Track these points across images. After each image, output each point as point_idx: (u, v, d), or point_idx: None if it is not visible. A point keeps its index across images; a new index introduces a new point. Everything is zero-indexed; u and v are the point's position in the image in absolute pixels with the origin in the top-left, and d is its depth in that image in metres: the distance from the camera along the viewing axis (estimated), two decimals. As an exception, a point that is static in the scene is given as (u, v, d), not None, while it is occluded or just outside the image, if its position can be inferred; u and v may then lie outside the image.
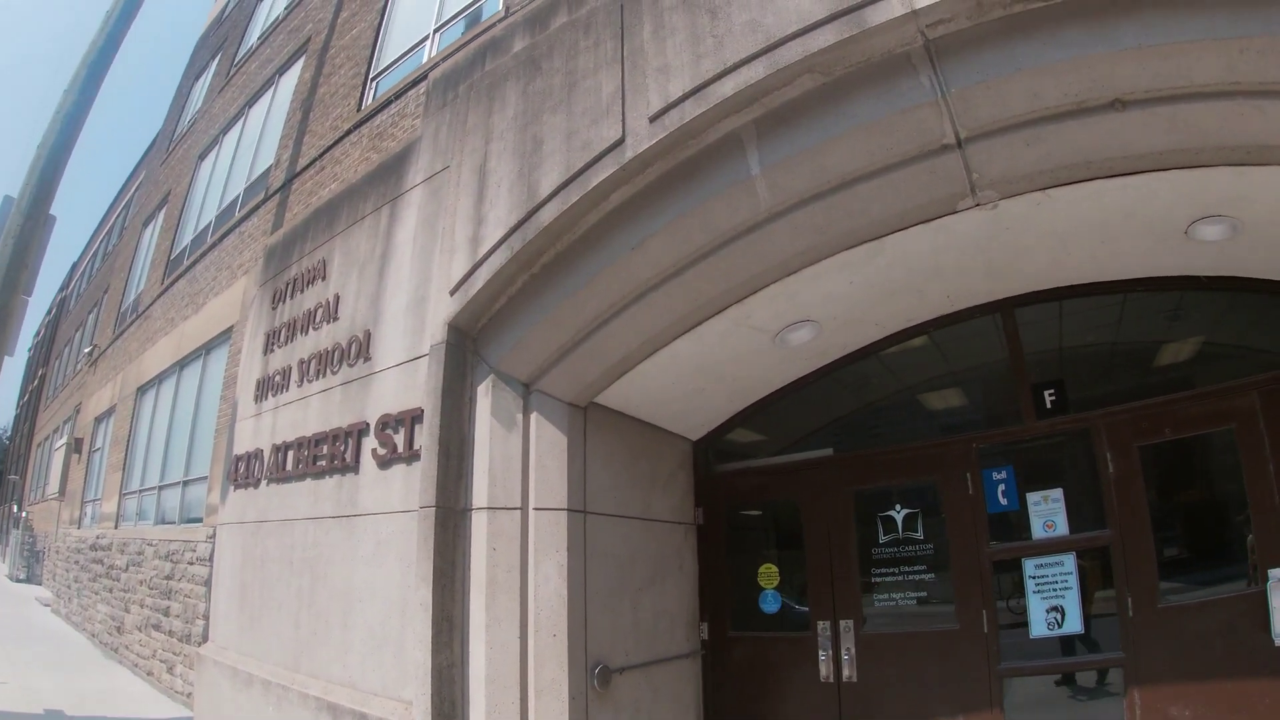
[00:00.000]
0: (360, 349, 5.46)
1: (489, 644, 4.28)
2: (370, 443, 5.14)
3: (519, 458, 4.49)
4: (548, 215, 4.22)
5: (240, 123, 11.99)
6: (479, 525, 4.45)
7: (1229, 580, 4.76)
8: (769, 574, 5.39)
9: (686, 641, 5.36)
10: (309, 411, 5.85)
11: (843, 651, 5.02)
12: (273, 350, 6.65)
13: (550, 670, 4.28)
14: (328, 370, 5.72)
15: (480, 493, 4.47)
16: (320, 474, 5.56)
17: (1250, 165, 3.48)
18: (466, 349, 4.69)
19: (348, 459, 5.28)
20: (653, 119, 3.86)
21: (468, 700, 4.29)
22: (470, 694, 4.28)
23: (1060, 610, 4.72)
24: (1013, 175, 3.61)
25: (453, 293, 4.65)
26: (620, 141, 3.97)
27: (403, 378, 4.99)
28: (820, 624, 5.09)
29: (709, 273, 4.12)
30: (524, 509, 4.46)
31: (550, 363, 4.51)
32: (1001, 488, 4.86)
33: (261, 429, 6.55)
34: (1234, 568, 4.74)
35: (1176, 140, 3.33)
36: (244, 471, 6.73)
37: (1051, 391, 4.81)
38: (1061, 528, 4.76)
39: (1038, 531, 4.79)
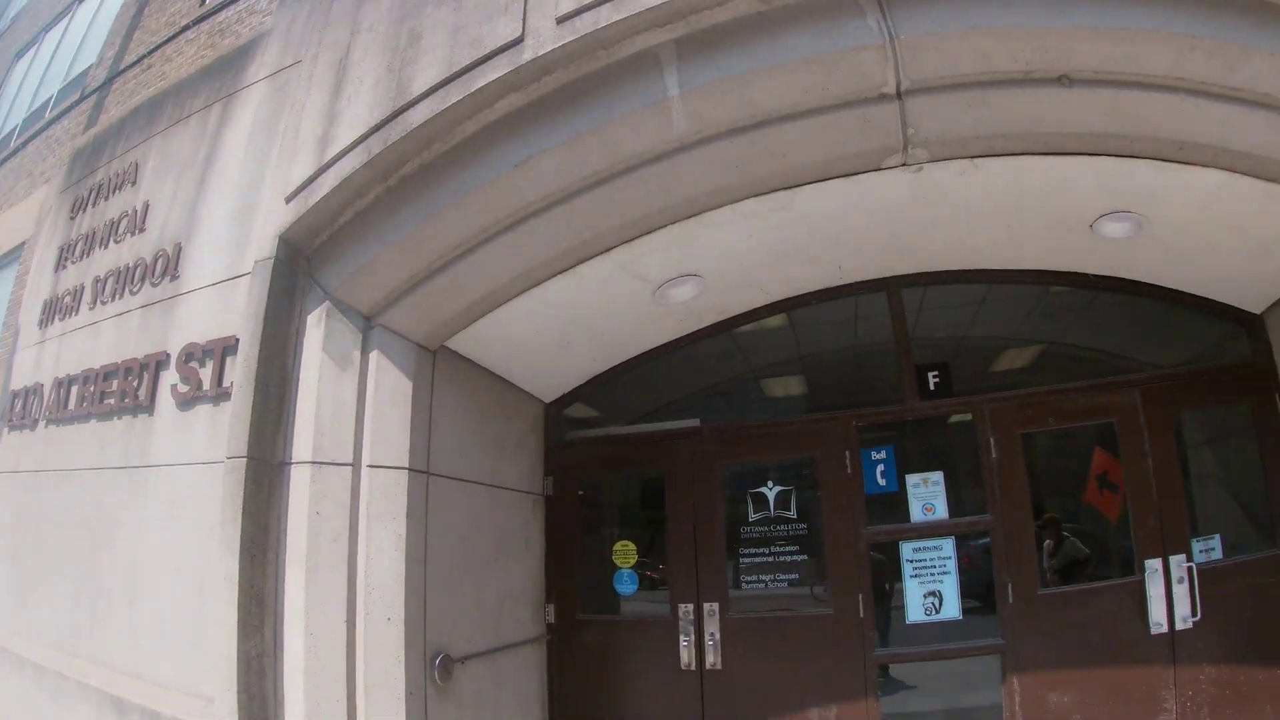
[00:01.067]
0: (168, 265, 4.52)
1: (309, 629, 3.53)
2: (170, 377, 4.24)
3: (353, 404, 3.77)
4: (418, 116, 3.54)
5: (66, 19, 10.30)
6: (300, 483, 3.69)
7: (1109, 569, 4.76)
8: (625, 552, 4.92)
9: (532, 625, 4.79)
10: (100, 340, 4.83)
11: (706, 636, 4.64)
12: (65, 267, 5.51)
13: (384, 661, 3.59)
14: (126, 290, 4.73)
15: (304, 443, 3.72)
16: (108, 415, 4.59)
17: (1175, 163, 3.44)
18: (299, 269, 3.91)
19: (141, 397, 4.35)
20: (561, 20, 3.29)
21: (282, 697, 3.53)
22: (285, 690, 3.53)
23: (938, 595, 4.55)
24: (947, 137, 3.38)
25: (289, 199, 3.85)
26: (518, 41, 3.37)
27: (217, 300, 4.13)
28: (682, 607, 4.68)
29: (603, 203, 3.58)
30: (356, 466, 3.75)
31: (400, 293, 3.82)
32: (881, 468, 4.62)
33: (44, 360, 5.42)
34: (1115, 556, 4.74)
35: (1115, 125, 3.26)
36: (20, 411, 5.56)
37: (935, 374, 4.63)
38: (941, 511, 4.58)
39: (916, 514, 4.60)
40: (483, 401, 4.47)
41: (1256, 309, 4.85)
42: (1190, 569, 4.57)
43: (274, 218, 3.89)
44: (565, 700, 4.82)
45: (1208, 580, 4.58)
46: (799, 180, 3.60)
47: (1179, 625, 4.55)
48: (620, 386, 4.99)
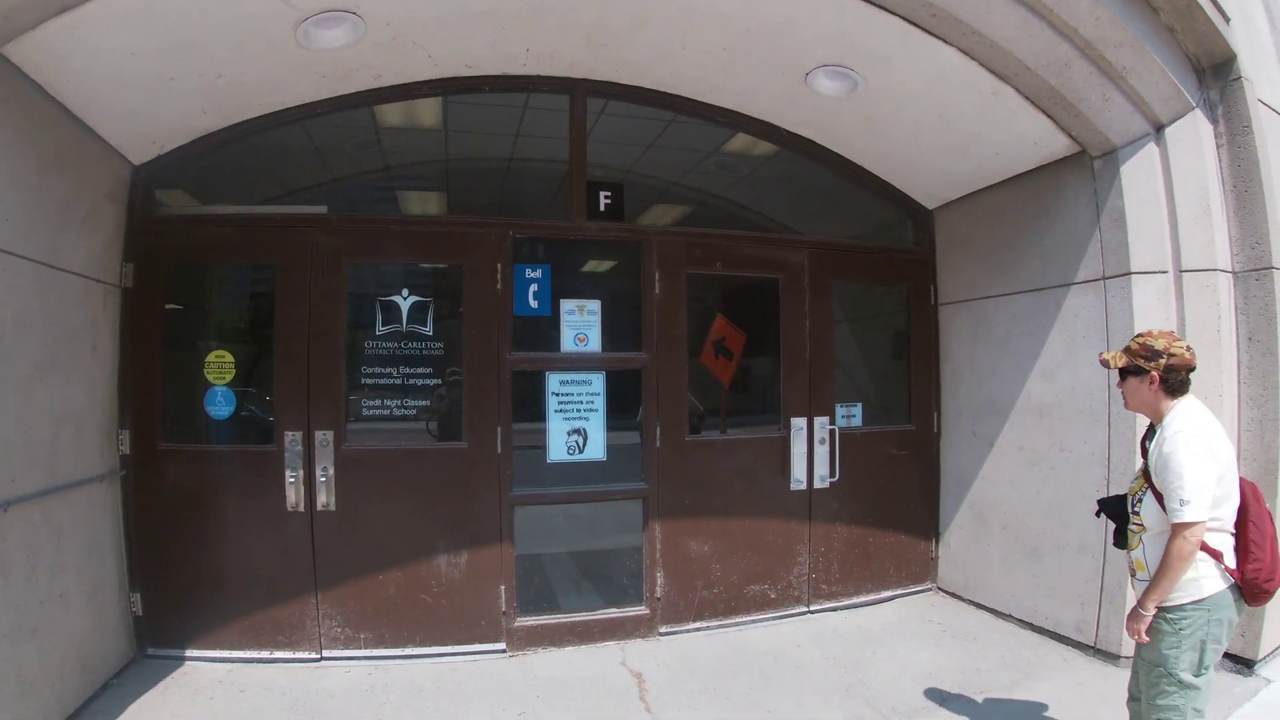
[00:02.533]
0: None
1: None
2: None
3: None
4: None
5: None
6: None
7: (761, 424, 4.62)
8: (221, 365, 3.92)
9: (101, 458, 3.68)
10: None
11: (318, 472, 3.88)
12: None
13: None
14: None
15: None
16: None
17: (921, 30, 3.34)
18: None
19: None
20: None
21: None
22: None
23: (583, 434, 4.15)
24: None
25: None
26: None
27: None
28: (289, 435, 3.87)
29: None
30: None
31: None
32: (534, 288, 4.16)
33: None
34: (767, 414, 4.61)
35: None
36: None
37: (608, 194, 4.26)
38: (595, 343, 4.20)
39: (568, 344, 4.18)
40: (45, 148, 3.28)
41: (929, 205, 5.03)
42: (833, 431, 4.57)
43: None
44: (147, 551, 3.80)
45: (847, 445, 4.60)
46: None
47: (817, 484, 4.53)
48: (236, 157, 4.02)
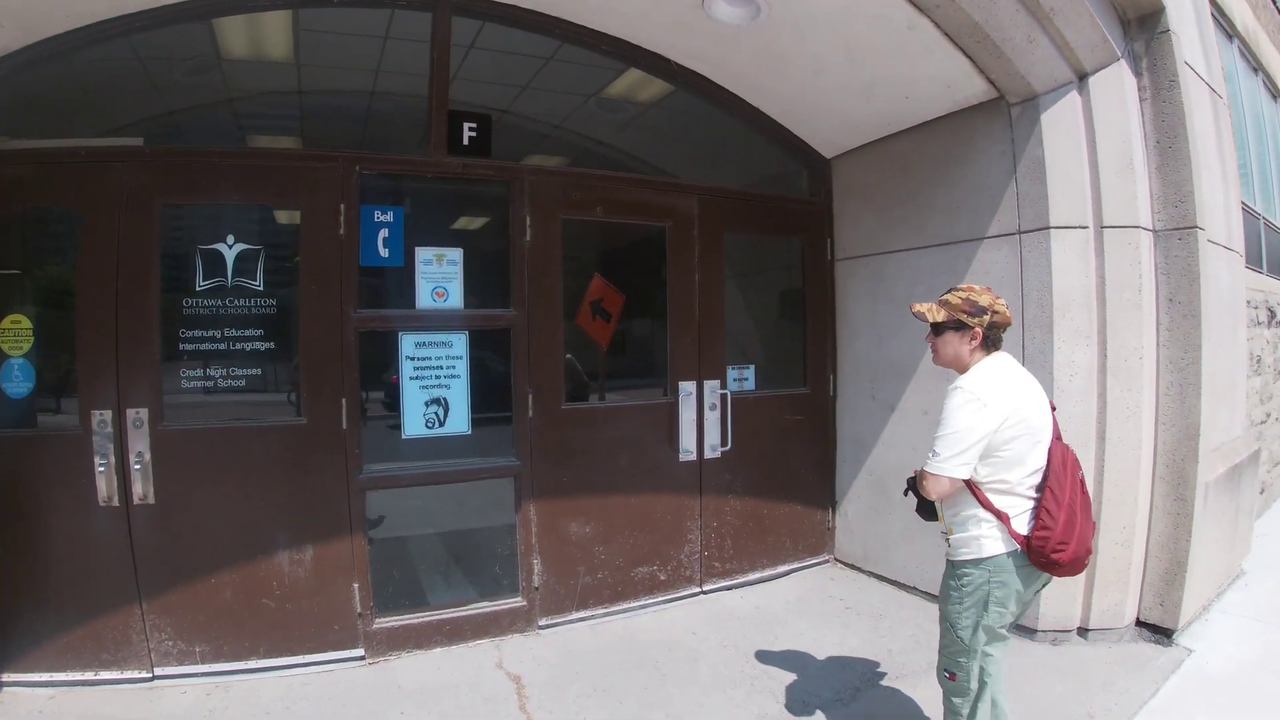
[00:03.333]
0: None
1: None
2: None
3: None
4: None
5: None
6: None
7: (647, 389, 4.19)
8: (18, 332, 3.17)
9: None
10: None
11: (132, 458, 3.14)
12: None
13: None
14: None
15: None
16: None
17: None
18: None
19: None
20: None
21: None
22: None
23: (443, 404, 3.59)
24: None
25: None
26: None
27: None
28: (97, 415, 3.11)
29: None
30: None
31: None
32: (385, 234, 3.54)
33: None
34: (652, 378, 4.18)
35: None
36: None
37: (474, 127, 3.66)
38: (456, 298, 3.63)
39: (425, 300, 3.59)
40: None
41: (828, 153, 4.69)
42: (724, 396, 4.20)
43: None
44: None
45: (740, 410, 4.25)
46: None
47: (708, 454, 4.15)
48: (49, 84, 3.20)
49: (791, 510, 4.50)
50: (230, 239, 3.32)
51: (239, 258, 3.33)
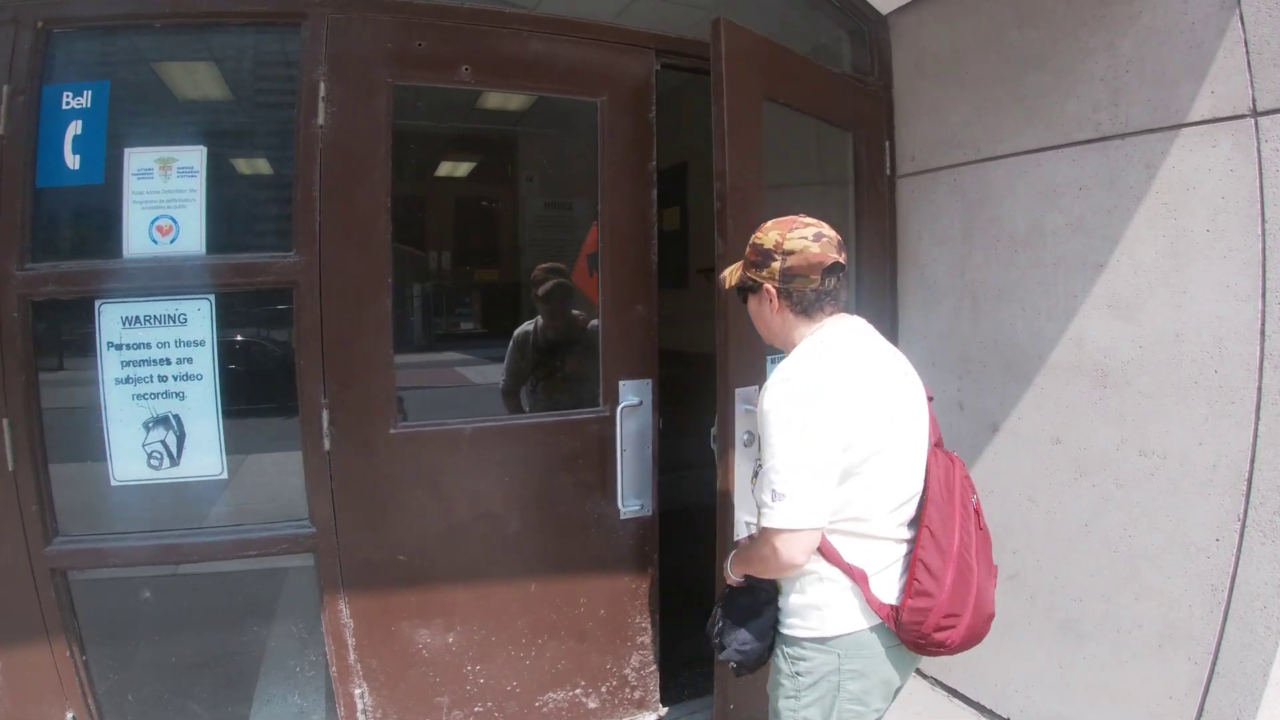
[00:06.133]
0: None
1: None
2: None
3: None
4: None
5: None
6: None
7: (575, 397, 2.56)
8: None
9: None
10: None
11: None
12: None
13: None
14: None
15: None
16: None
17: None
18: None
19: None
20: None
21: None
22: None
23: (175, 426, 2.05)
24: None
25: None
26: None
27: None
28: None
29: None
30: None
31: None
32: (77, 129, 1.99)
33: None
34: (579, 381, 2.54)
35: None
36: None
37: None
38: (193, 237, 2.05)
39: (139, 241, 2.04)
40: None
41: (884, 7, 2.86)
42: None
43: None
44: None
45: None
46: None
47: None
48: None
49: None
50: None
51: None
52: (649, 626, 2.45)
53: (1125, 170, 2.15)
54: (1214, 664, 1.93)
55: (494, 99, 3.20)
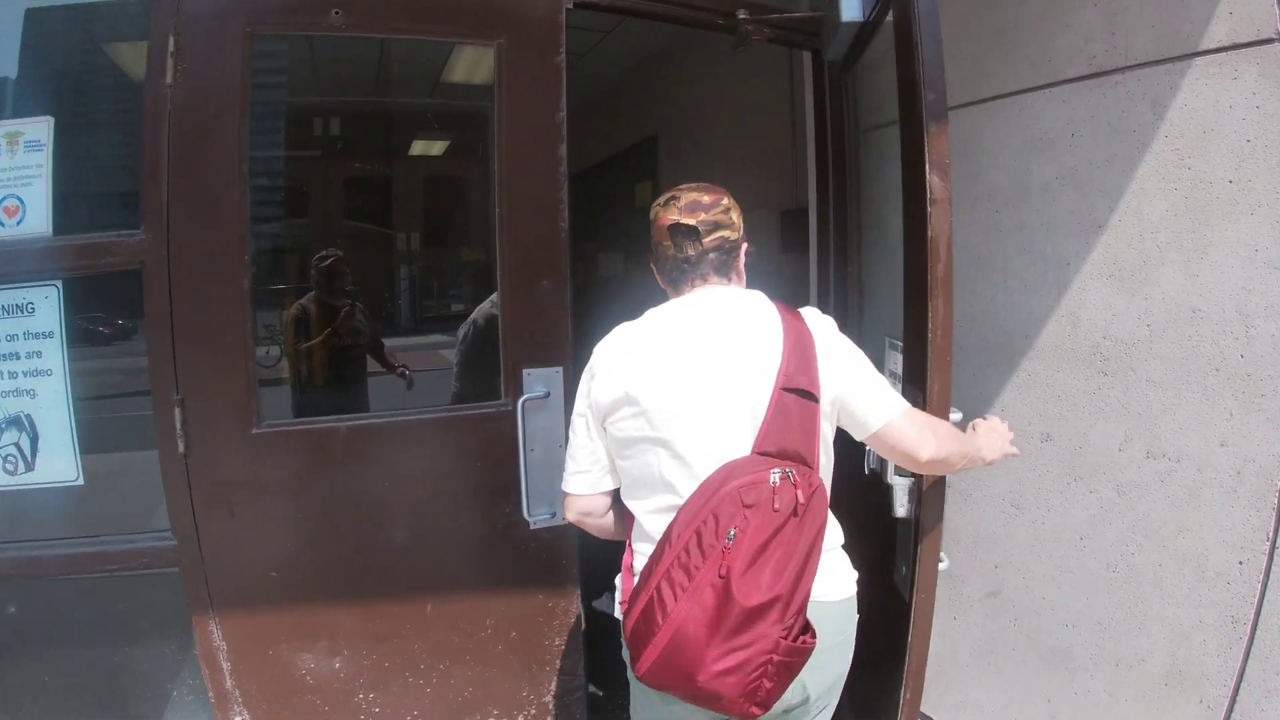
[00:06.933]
0: None
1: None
2: None
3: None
4: None
5: None
6: None
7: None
8: None
9: None
10: None
11: None
12: None
13: None
14: None
15: None
16: None
17: None
18: None
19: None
20: None
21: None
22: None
23: (27, 427, 1.87)
24: None
25: None
26: None
27: None
28: None
29: None
30: None
31: None
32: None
33: None
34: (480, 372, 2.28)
35: None
36: None
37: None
38: (40, 217, 1.85)
39: (-22, 222, 1.85)
40: None
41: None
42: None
43: None
44: None
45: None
46: None
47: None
48: None
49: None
50: None
51: None
52: (572, 649, 2.16)
53: (1127, 111, 1.77)
54: (1230, 708, 1.55)
55: (459, 72, 2.99)
